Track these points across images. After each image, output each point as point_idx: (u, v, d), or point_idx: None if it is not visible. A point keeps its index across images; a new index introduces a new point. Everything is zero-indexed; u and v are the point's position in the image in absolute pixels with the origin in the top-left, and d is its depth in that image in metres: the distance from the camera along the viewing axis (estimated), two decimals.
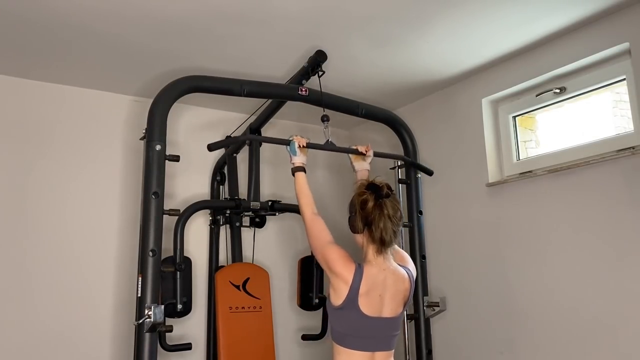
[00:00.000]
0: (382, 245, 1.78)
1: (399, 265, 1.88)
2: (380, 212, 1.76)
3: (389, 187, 1.84)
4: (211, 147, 2.14)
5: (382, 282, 1.78)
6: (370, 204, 1.77)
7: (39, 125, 2.78)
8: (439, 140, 3.07)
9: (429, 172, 2.68)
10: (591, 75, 2.40)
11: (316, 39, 2.38)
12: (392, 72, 2.80)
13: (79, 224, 2.81)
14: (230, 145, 2.08)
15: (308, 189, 2.00)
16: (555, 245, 2.40)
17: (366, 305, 1.75)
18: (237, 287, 2.83)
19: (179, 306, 2.37)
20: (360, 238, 1.84)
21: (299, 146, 2.08)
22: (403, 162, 2.75)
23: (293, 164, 2.06)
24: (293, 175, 2.04)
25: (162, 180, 1.99)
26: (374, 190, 1.80)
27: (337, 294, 1.76)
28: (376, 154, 2.30)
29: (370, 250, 1.81)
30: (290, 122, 3.59)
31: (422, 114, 3.20)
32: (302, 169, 2.04)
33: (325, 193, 3.54)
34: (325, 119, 2.32)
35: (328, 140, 2.28)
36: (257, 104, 2.82)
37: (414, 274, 1.95)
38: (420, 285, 2.64)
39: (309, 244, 1.90)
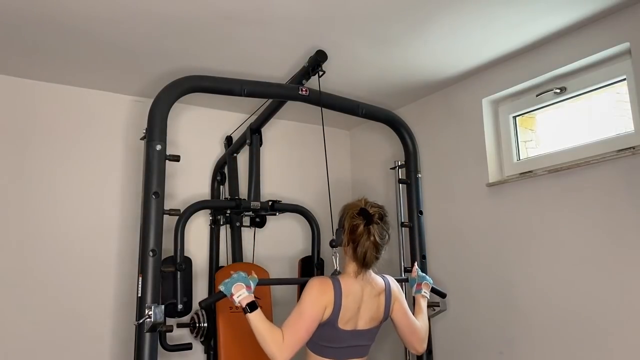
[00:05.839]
0: (364, 266, 1.86)
1: (378, 275, 1.95)
2: (367, 236, 1.83)
3: (381, 214, 1.88)
4: (202, 304, 1.99)
5: (360, 294, 1.85)
6: (360, 229, 1.84)
7: (39, 125, 2.78)
8: (439, 140, 3.07)
9: (443, 295, 2.53)
10: (591, 75, 2.40)
11: (316, 39, 2.38)
12: (392, 72, 2.80)
13: (79, 224, 2.81)
14: (219, 299, 1.99)
15: (269, 324, 1.77)
16: (555, 245, 2.40)
17: (344, 321, 1.81)
18: None
19: (180, 306, 2.36)
20: (344, 251, 1.91)
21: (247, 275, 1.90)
22: (403, 162, 2.75)
23: (240, 303, 1.81)
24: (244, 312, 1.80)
25: (162, 180, 1.99)
26: (366, 216, 1.86)
27: (323, 314, 1.80)
28: None
29: (351, 267, 1.88)
30: (290, 122, 3.59)
31: (422, 114, 3.20)
32: (255, 305, 1.81)
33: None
34: (333, 244, 1.97)
35: (336, 269, 2.02)
36: (257, 104, 2.82)
37: (395, 283, 2.00)
38: None
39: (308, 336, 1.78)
